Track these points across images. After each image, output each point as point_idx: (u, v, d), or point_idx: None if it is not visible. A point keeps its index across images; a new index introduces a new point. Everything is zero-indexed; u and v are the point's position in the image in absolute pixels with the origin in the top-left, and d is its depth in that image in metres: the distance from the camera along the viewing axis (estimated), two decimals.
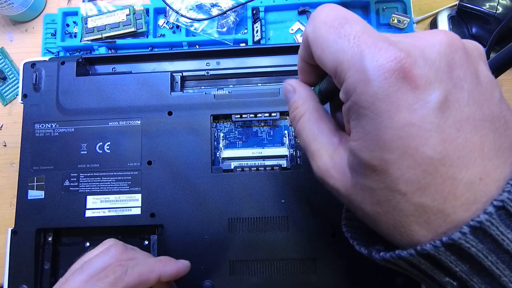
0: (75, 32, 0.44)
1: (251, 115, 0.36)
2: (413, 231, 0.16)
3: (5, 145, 0.43)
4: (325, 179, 0.20)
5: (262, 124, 0.38)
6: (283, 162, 0.36)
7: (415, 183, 0.16)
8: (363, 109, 0.16)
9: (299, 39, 0.43)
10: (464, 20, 0.40)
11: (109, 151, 0.36)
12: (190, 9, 0.43)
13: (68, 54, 0.44)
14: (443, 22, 0.41)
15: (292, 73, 0.38)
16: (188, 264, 0.30)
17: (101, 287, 0.24)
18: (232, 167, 0.36)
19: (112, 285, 0.25)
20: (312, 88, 0.23)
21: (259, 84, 0.39)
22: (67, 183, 0.36)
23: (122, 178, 0.36)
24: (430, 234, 0.16)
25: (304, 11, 0.43)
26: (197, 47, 0.43)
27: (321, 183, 0.21)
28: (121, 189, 0.36)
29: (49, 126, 0.37)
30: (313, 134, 0.21)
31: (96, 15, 0.43)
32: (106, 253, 0.27)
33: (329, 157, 0.20)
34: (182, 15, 0.42)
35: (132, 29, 0.43)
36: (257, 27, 0.42)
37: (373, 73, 0.16)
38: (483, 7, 0.38)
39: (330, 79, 0.21)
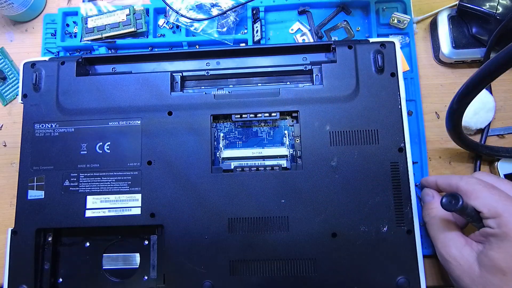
0: (75, 32, 0.44)
1: (251, 115, 0.36)
2: None
3: (5, 145, 0.43)
4: (452, 266, 0.29)
5: (262, 124, 0.38)
6: (283, 162, 0.36)
7: None
8: (510, 237, 0.26)
9: (299, 39, 0.43)
10: (464, 20, 0.40)
11: (109, 151, 0.36)
12: (190, 9, 0.43)
13: (68, 54, 0.44)
14: (443, 22, 0.41)
15: (292, 73, 0.38)
16: None
17: None
18: (232, 167, 0.36)
19: None
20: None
21: (259, 84, 0.39)
22: (67, 183, 0.36)
23: (122, 178, 0.36)
24: None
25: (304, 11, 0.43)
26: (197, 47, 0.43)
27: (446, 268, 0.30)
28: (121, 189, 0.36)
29: (49, 126, 0.37)
30: (444, 228, 0.31)
31: (96, 15, 0.43)
32: None
33: (457, 249, 0.29)
34: (182, 15, 0.42)
35: (132, 29, 0.43)
36: (257, 27, 0.42)
37: None
38: (483, 7, 0.38)
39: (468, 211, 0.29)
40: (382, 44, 0.36)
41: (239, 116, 0.36)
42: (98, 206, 0.35)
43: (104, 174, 0.36)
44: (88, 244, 0.37)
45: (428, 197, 0.34)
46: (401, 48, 0.40)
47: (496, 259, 0.26)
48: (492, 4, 0.38)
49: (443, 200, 0.28)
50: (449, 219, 0.31)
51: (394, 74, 0.36)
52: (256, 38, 0.42)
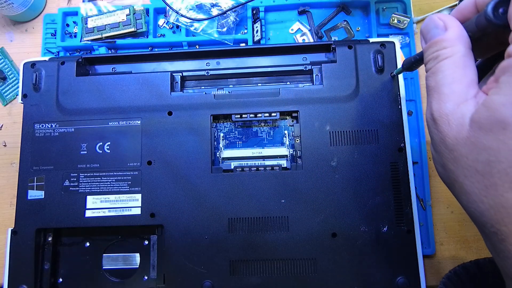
0: (75, 32, 0.44)
1: (251, 115, 0.36)
2: (505, 197, 0.17)
3: (5, 145, 0.43)
4: (439, 122, 0.20)
5: (262, 124, 0.38)
6: (283, 162, 0.36)
7: None
8: None
9: (299, 39, 0.43)
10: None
11: (109, 151, 0.36)
12: (190, 9, 0.43)
13: (68, 54, 0.44)
14: None
15: (292, 73, 0.38)
16: None
17: None
18: (232, 167, 0.36)
19: None
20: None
21: (259, 84, 0.39)
22: (67, 183, 0.36)
23: (122, 178, 0.36)
24: None
25: (304, 11, 0.43)
26: (197, 47, 0.43)
27: (429, 126, 0.21)
28: (121, 189, 0.36)
29: (49, 126, 0.37)
30: (453, 78, 0.20)
31: (96, 15, 0.43)
32: None
33: (455, 104, 0.20)
34: (182, 15, 0.42)
35: (132, 29, 0.43)
36: (257, 27, 0.42)
37: None
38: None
39: (492, 24, 0.19)
40: (382, 44, 0.36)
41: (239, 116, 0.36)
42: (98, 206, 0.35)
43: (104, 174, 0.36)
44: (88, 244, 0.37)
45: (438, 30, 0.21)
46: (401, 48, 0.40)
47: (500, 105, 0.17)
48: None
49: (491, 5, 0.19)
50: (467, 64, 0.20)
51: (394, 75, 0.36)
52: (256, 38, 0.42)
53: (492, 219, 0.18)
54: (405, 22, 0.41)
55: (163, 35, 0.44)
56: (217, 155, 0.37)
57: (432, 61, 0.21)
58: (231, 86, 0.39)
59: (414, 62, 0.30)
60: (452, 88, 0.20)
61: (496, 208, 0.18)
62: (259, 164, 0.36)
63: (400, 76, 0.36)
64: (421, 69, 0.41)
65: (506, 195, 0.17)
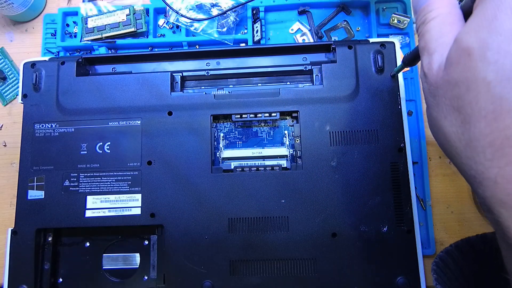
0: (75, 32, 0.44)
1: (251, 115, 0.36)
2: (477, 127, 0.16)
3: (5, 145, 0.43)
4: (427, 75, 0.20)
5: (262, 124, 0.38)
6: (283, 162, 0.36)
7: (508, 71, 0.16)
8: None
9: (299, 39, 0.43)
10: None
11: (109, 151, 0.36)
12: (190, 9, 0.43)
13: (68, 54, 0.44)
14: None
15: (292, 73, 0.38)
16: None
17: None
18: (232, 167, 0.36)
19: None
20: None
21: (259, 84, 0.39)
22: (67, 183, 0.36)
23: (122, 178, 0.36)
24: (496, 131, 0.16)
25: (304, 11, 0.43)
26: (197, 47, 0.43)
27: (422, 84, 0.21)
28: (121, 189, 0.36)
29: (49, 126, 0.37)
30: (439, 34, 0.20)
31: (96, 15, 0.43)
32: None
33: (441, 55, 0.20)
34: (182, 15, 0.42)
35: (132, 29, 0.43)
36: (257, 27, 0.42)
37: None
38: None
39: None
40: (382, 44, 0.36)
41: (239, 116, 0.36)
42: (98, 206, 0.35)
43: (104, 174, 0.36)
44: (88, 244, 0.37)
45: None
46: (401, 48, 0.40)
47: (464, 34, 0.18)
48: None
49: None
50: (454, 20, 0.21)
51: (394, 74, 0.36)
52: (256, 38, 0.42)
53: (468, 158, 0.18)
54: (405, 22, 0.41)
55: (163, 35, 0.44)
56: (217, 155, 0.37)
57: (421, 26, 0.22)
58: (231, 86, 0.39)
59: (413, 55, 0.30)
60: (438, 41, 0.20)
61: (470, 145, 0.17)
62: (259, 164, 0.36)
63: (400, 76, 0.36)
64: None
65: (478, 125, 0.17)
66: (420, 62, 0.22)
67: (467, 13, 0.21)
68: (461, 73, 0.17)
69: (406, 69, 0.40)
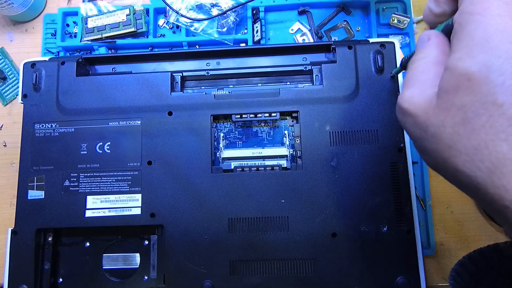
0: (75, 32, 0.44)
1: (251, 115, 0.36)
2: (499, 152, 0.16)
3: (5, 145, 0.43)
4: (406, 106, 0.20)
5: (262, 124, 0.38)
6: (283, 162, 0.36)
7: None
8: (474, 14, 0.17)
9: (299, 39, 0.43)
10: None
11: (109, 151, 0.36)
12: (190, 9, 0.43)
13: (68, 54, 0.44)
14: None
15: (292, 73, 0.38)
16: None
17: None
18: (232, 167, 0.36)
19: None
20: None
21: (259, 84, 0.39)
22: (67, 183, 0.36)
23: (122, 178, 0.36)
24: None
25: (304, 11, 0.43)
26: (197, 47, 0.43)
27: (400, 119, 0.21)
28: (121, 189, 0.36)
29: (49, 126, 0.37)
30: (422, 70, 0.21)
31: (96, 15, 0.43)
32: None
33: (421, 90, 0.20)
34: (182, 15, 0.42)
35: (132, 29, 0.43)
36: (257, 27, 0.42)
37: None
38: None
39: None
40: (382, 44, 0.36)
41: (239, 116, 0.36)
42: (98, 206, 0.35)
43: (104, 174, 0.36)
44: (88, 244, 0.37)
45: (423, 42, 0.23)
46: (401, 48, 0.40)
47: (457, 60, 0.17)
48: None
49: None
50: (438, 62, 0.21)
51: (394, 75, 0.36)
52: (256, 38, 0.42)
53: (496, 187, 0.16)
54: (405, 22, 0.41)
55: (163, 35, 0.44)
56: (217, 155, 0.37)
57: (410, 63, 0.23)
58: (231, 86, 0.39)
59: (409, 60, 0.29)
60: (420, 77, 0.21)
61: (495, 172, 0.16)
62: (259, 164, 0.36)
63: (400, 76, 0.36)
64: None
65: (500, 149, 0.16)
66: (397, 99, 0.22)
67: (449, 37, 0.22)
68: (464, 97, 0.17)
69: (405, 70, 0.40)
